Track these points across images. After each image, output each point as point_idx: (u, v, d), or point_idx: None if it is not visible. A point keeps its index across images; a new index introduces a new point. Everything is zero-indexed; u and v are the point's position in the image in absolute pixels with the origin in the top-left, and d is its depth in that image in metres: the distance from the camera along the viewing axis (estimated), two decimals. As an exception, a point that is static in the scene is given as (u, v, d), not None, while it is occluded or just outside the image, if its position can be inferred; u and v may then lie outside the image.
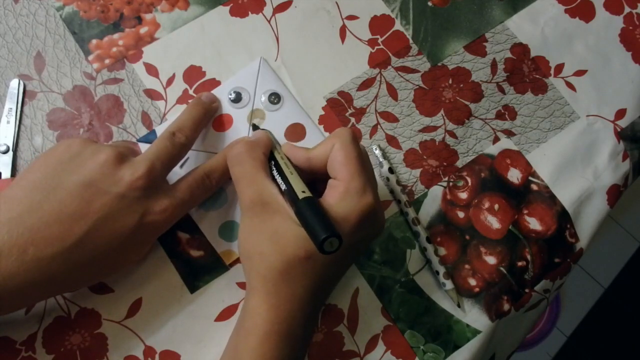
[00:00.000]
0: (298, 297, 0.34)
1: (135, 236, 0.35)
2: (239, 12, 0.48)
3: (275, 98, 0.45)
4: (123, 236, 0.35)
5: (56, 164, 0.35)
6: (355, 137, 0.37)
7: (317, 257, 0.34)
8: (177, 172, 0.43)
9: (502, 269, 0.44)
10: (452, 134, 0.47)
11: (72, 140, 0.36)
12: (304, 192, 0.34)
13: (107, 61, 0.46)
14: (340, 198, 0.34)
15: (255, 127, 0.44)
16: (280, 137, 0.44)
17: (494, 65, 0.48)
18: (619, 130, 0.48)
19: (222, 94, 0.45)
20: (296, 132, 0.45)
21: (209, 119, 0.44)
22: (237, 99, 0.45)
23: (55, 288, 0.35)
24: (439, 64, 0.48)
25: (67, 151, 0.35)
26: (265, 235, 0.35)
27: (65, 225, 0.33)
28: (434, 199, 0.45)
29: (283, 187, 0.35)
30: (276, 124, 0.45)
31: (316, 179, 0.39)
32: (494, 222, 0.45)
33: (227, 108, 0.45)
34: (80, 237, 0.33)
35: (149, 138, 0.44)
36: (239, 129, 0.44)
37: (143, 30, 0.47)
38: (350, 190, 0.34)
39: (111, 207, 0.34)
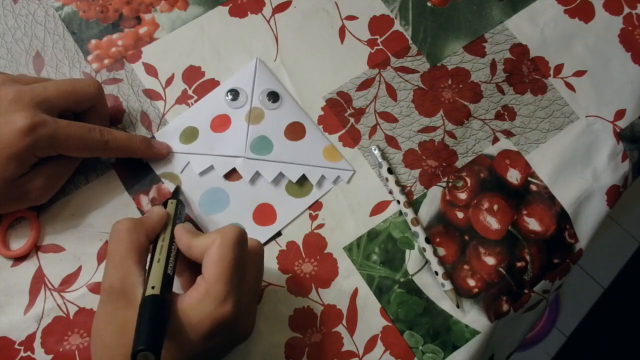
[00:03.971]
0: None
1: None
2: (238, 12, 0.48)
3: (273, 97, 0.45)
4: None
5: None
6: (242, 239, 0.34)
7: None
8: (175, 178, 0.43)
9: (501, 269, 0.44)
10: (452, 135, 0.46)
11: None
12: (153, 287, 0.32)
13: (106, 61, 0.46)
14: (198, 301, 0.32)
15: (175, 192, 0.42)
16: (279, 136, 0.44)
17: (493, 65, 0.48)
18: (618, 130, 0.48)
19: (220, 95, 0.45)
20: (295, 131, 0.45)
21: (142, 156, 0.43)
22: (235, 98, 0.45)
23: None
24: (438, 65, 0.48)
25: None
26: (113, 325, 0.32)
27: None
28: (433, 200, 0.45)
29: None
30: (275, 123, 0.45)
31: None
32: (493, 223, 0.45)
33: (225, 109, 0.45)
34: None
35: None
36: (237, 130, 0.44)
37: (142, 30, 0.47)
38: (210, 295, 0.32)
39: None
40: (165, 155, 0.43)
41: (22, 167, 0.37)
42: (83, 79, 0.40)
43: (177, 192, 0.42)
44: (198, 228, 0.42)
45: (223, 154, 0.43)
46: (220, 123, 0.44)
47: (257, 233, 0.42)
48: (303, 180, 0.44)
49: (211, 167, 0.43)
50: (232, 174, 0.43)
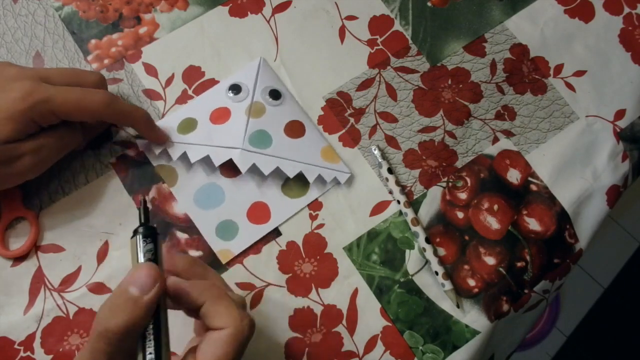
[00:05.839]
0: None
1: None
2: (238, 12, 0.48)
3: (275, 95, 0.45)
4: None
5: None
6: (250, 336, 0.31)
7: None
8: (170, 164, 0.43)
9: (501, 269, 0.44)
10: (452, 135, 0.46)
11: None
12: None
13: (106, 61, 0.46)
14: None
15: (142, 225, 0.32)
16: (279, 132, 0.44)
17: (493, 65, 0.48)
18: (618, 130, 0.48)
19: (221, 90, 0.45)
20: (295, 129, 0.45)
21: (142, 130, 0.41)
22: (236, 92, 0.45)
23: None
24: (438, 65, 0.48)
25: None
26: None
27: None
28: (433, 200, 0.45)
29: (150, 357, 0.30)
30: (276, 118, 0.44)
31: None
32: (493, 223, 0.45)
33: (225, 101, 0.44)
34: None
35: None
36: (236, 122, 0.44)
37: (142, 30, 0.47)
38: None
39: None
40: (163, 141, 0.43)
41: (19, 131, 0.36)
42: (95, 91, 0.38)
43: (152, 231, 0.32)
44: (193, 224, 0.42)
45: (220, 144, 0.43)
46: (220, 115, 0.44)
47: (250, 231, 0.42)
48: (299, 179, 0.44)
49: (207, 157, 0.42)
50: (228, 170, 0.43)
